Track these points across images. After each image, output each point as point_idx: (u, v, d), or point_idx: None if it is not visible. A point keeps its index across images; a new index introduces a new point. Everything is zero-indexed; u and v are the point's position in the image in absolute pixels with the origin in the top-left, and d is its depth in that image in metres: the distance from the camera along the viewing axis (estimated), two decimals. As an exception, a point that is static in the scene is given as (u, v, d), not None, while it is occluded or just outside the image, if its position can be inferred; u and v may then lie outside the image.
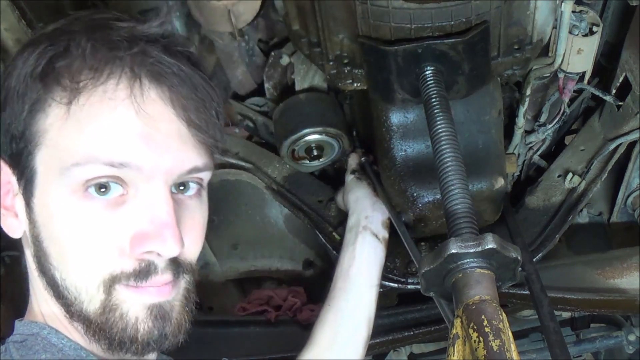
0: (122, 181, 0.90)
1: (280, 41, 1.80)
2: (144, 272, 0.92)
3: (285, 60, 1.76)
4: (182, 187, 0.98)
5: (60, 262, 0.92)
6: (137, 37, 0.91)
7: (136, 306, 0.92)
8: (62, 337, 0.93)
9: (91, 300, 0.91)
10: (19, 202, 0.96)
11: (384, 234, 1.55)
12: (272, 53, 1.78)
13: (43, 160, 0.91)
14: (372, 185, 1.63)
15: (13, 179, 0.95)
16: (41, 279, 0.96)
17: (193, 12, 1.53)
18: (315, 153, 1.75)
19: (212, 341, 1.84)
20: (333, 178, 1.95)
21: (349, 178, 1.68)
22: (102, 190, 0.90)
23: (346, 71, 1.42)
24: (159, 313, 0.93)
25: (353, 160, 1.72)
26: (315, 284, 2.05)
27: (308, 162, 1.78)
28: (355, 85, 1.43)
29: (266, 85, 1.83)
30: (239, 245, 2.03)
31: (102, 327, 0.91)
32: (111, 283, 0.91)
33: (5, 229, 0.97)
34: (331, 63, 1.42)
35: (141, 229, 0.91)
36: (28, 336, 0.94)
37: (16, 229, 0.97)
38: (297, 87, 1.76)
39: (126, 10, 1.51)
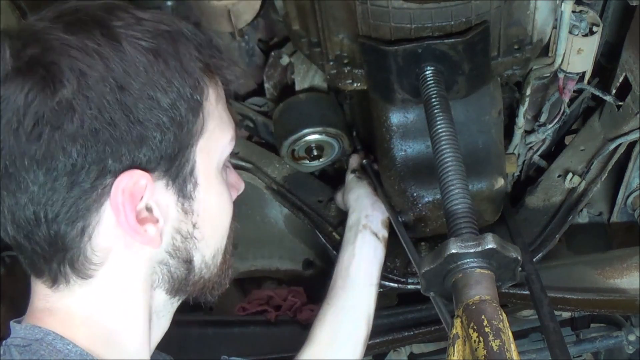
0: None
1: (280, 41, 1.80)
2: None
3: (285, 60, 1.76)
4: None
5: (206, 241, 0.99)
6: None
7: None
8: (67, 343, 0.91)
9: (215, 267, 1.03)
10: (162, 204, 0.91)
11: (384, 233, 1.55)
12: (272, 53, 1.78)
13: (202, 148, 0.94)
14: (372, 185, 1.63)
15: (149, 183, 0.89)
16: (164, 269, 0.96)
17: (193, 12, 1.53)
18: (315, 153, 1.75)
19: (212, 341, 1.84)
20: (333, 178, 1.95)
21: (350, 177, 1.68)
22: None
23: (346, 71, 1.42)
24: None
25: (354, 160, 1.73)
26: (315, 284, 2.04)
27: (308, 162, 1.78)
28: (355, 85, 1.43)
29: (266, 85, 1.83)
30: (238, 245, 2.03)
31: (209, 284, 1.03)
32: (226, 243, 1.05)
33: (148, 243, 0.91)
34: (331, 63, 1.42)
35: (233, 181, 1.10)
36: (32, 341, 0.91)
37: (158, 236, 0.92)
38: (297, 87, 1.76)
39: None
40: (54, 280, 0.91)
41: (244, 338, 1.85)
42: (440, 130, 1.20)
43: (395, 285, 1.70)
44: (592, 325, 2.09)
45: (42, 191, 0.84)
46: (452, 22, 1.27)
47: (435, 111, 1.24)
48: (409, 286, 1.70)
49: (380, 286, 1.71)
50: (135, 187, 0.87)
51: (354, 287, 1.48)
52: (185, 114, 0.89)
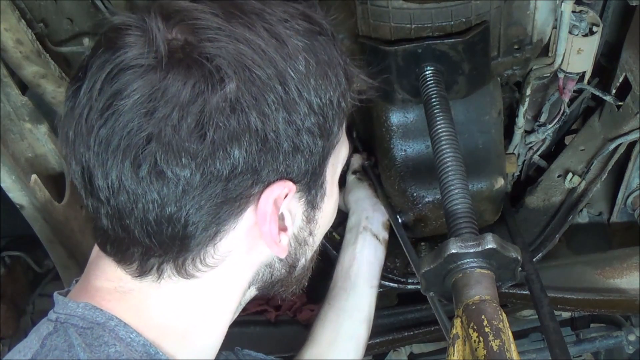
0: None
1: (280, 41, 1.80)
2: None
3: (285, 60, 1.76)
4: None
5: (314, 246, 1.01)
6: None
7: None
8: (131, 332, 0.84)
9: (308, 268, 1.05)
10: (293, 215, 0.90)
11: (384, 234, 1.55)
12: (272, 53, 1.78)
13: (332, 161, 0.93)
14: (372, 186, 1.63)
15: (289, 196, 0.86)
16: (264, 273, 0.95)
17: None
18: (315, 153, 1.75)
19: (212, 341, 1.83)
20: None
21: (350, 178, 1.68)
22: None
23: (346, 71, 1.42)
24: None
25: (355, 161, 1.72)
26: (315, 284, 2.04)
27: (308, 162, 1.78)
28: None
29: (266, 85, 1.83)
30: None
31: (297, 279, 1.03)
32: None
33: (279, 253, 0.90)
34: (331, 63, 1.42)
35: None
36: (94, 324, 0.83)
37: (288, 245, 0.91)
38: (297, 87, 1.76)
39: (127, 10, 1.51)
40: (142, 271, 0.85)
41: (244, 338, 1.85)
42: (440, 130, 1.20)
43: (395, 285, 1.70)
44: (592, 325, 2.09)
45: (191, 193, 0.78)
46: (452, 22, 1.27)
47: (435, 111, 1.24)
48: (409, 286, 1.70)
49: (380, 286, 1.71)
50: (281, 198, 0.85)
51: (355, 288, 1.48)
52: (331, 123, 0.85)
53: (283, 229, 0.88)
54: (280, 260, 0.95)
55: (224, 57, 0.75)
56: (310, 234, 0.97)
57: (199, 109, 0.75)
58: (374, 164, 1.69)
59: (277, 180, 0.83)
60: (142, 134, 0.75)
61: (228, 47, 0.76)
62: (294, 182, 0.85)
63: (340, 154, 0.96)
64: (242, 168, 0.78)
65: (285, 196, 0.85)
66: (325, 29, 0.85)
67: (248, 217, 0.84)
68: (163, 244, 0.82)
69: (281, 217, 0.87)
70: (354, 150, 1.76)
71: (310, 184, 0.89)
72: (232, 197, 0.80)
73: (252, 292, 0.99)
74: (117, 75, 0.76)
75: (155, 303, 0.87)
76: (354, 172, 1.69)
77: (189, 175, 0.77)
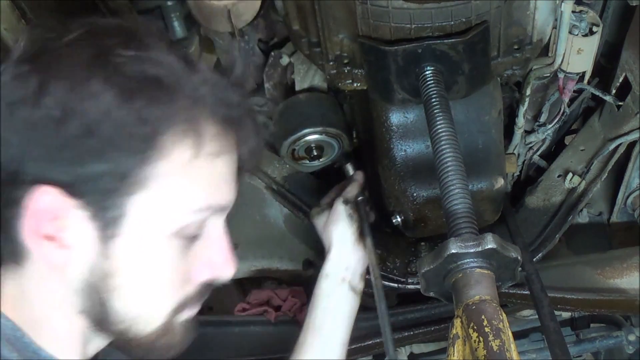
0: (204, 224, 0.98)
1: (280, 41, 1.80)
2: (204, 294, 1.02)
3: (285, 60, 1.76)
4: None
5: (130, 295, 0.94)
6: (244, 99, 0.99)
7: (187, 321, 1.02)
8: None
9: (148, 326, 0.97)
10: (78, 234, 0.90)
11: (362, 286, 1.47)
12: (272, 53, 1.78)
13: (143, 204, 0.89)
14: (360, 228, 1.50)
15: (71, 209, 0.88)
16: (79, 301, 0.94)
17: (193, 12, 1.53)
18: (315, 153, 1.75)
19: (212, 341, 1.84)
20: (333, 178, 1.95)
21: (340, 207, 1.51)
22: (192, 237, 0.96)
23: (346, 71, 1.42)
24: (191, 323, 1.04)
25: (351, 190, 1.56)
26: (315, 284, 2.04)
27: (308, 162, 1.78)
28: (355, 85, 1.43)
29: (266, 85, 1.83)
30: (239, 245, 2.03)
31: (141, 342, 0.97)
32: (178, 310, 0.98)
33: (43, 259, 0.91)
34: (331, 63, 1.42)
35: (210, 259, 0.99)
36: None
37: (59, 259, 0.91)
38: (297, 87, 1.76)
39: (127, 10, 1.51)
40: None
41: (244, 338, 1.85)
42: (440, 130, 1.20)
43: (395, 285, 1.70)
44: (592, 325, 2.09)
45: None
46: (452, 22, 1.27)
47: (435, 111, 1.24)
48: (409, 286, 1.70)
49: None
50: (52, 204, 0.87)
51: (327, 347, 1.41)
52: (127, 161, 0.87)
53: (62, 245, 0.90)
54: (85, 292, 0.93)
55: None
56: (111, 275, 0.92)
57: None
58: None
59: (41, 182, 0.87)
60: None
61: (55, 60, 0.89)
62: (70, 193, 0.87)
63: (168, 205, 0.91)
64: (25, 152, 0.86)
65: (59, 207, 0.88)
66: (175, 79, 0.89)
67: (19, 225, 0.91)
68: None
69: (63, 233, 0.90)
70: (355, 175, 1.67)
71: (98, 207, 0.89)
72: (16, 179, 0.88)
73: (89, 324, 0.97)
74: None
75: (5, 290, 0.94)
76: (346, 202, 1.52)
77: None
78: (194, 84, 0.91)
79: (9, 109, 0.86)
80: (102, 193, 0.88)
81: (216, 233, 1.00)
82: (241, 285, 2.15)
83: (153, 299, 0.96)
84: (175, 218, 0.92)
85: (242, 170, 1.03)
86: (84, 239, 0.90)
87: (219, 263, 1.00)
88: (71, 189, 0.87)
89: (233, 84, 0.97)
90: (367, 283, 1.72)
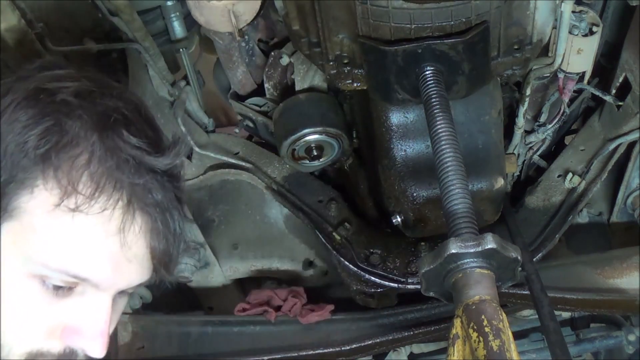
0: (75, 284, 0.93)
1: (280, 41, 1.80)
2: (67, 357, 0.96)
3: (285, 60, 1.76)
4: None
5: None
6: (144, 167, 0.93)
7: None
8: None
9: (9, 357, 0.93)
10: None
11: None
12: (272, 53, 1.78)
13: (9, 233, 0.90)
14: None
15: None
16: None
17: (193, 12, 1.53)
18: (315, 153, 1.75)
19: (212, 341, 1.84)
20: (333, 178, 1.95)
21: None
22: (58, 289, 0.92)
23: (346, 71, 1.42)
24: None
25: None
26: (315, 284, 2.05)
27: (308, 162, 1.78)
28: (355, 85, 1.43)
29: (266, 85, 1.83)
30: (239, 245, 2.03)
31: None
32: (37, 356, 0.94)
33: None
34: (331, 63, 1.42)
35: (78, 325, 0.95)
36: None
37: None
38: (297, 87, 1.76)
39: (127, 10, 1.51)
40: None
41: (244, 338, 1.85)
42: (440, 130, 1.20)
43: (395, 285, 1.70)
44: (592, 325, 2.09)
45: None
46: (452, 22, 1.27)
47: (435, 111, 1.23)
48: (409, 286, 1.70)
49: (380, 286, 1.71)
50: None
51: None
52: (6, 178, 0.88)
53: None
54: None
55: None
56: None
57: None
58: (372, 162, 1.66)
59: None
60: None
61: None
62: None
63: (27, 242, 0.90)
64: None
65: None
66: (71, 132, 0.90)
67: None
68: None
69: None
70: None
71: None
72: None
73: None
74: None
75: None
76: None
77: None
78: (98, 144, 0.89)
79: None
80: None
81: (94, 306, 0.96)
82: (241, 285, 2.15)
83: (5, 331, 0.92)
84: (33, 263, 0.90)
85: (157, 272, 1.00)
86: None
87: (86, 336, 0.96)
88: None
89: (156, 165, 0.94)
90: (367, 283, 1.73)
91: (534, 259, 1.70)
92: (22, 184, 0.88)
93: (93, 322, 0.96)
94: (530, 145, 1.87)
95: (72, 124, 0.90)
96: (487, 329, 0.93)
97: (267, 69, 1.80)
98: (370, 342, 1.80)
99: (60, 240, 0.90)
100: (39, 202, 0.89)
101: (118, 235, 0.92)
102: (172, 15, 1.73)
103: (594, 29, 1.48)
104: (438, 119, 1.22)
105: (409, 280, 1.69)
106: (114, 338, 1.04)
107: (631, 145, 1.83)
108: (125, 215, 0.92)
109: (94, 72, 0.99)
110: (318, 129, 1.70)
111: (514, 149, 1.81)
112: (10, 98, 0.91)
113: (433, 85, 1.28)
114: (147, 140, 0.95)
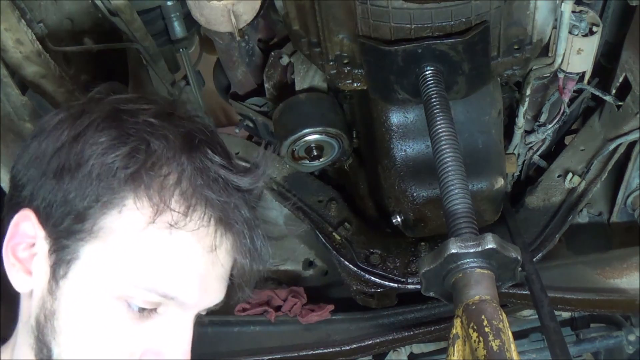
0: (159, 304, 0.93)
1: (280, 41, 1.80)
2: None
3: (285, 60, 1.76)
4: None
5: (67, 344, 0.91)
6: (231, 186, 0.93)
7: None
8: None
9: None
10: (39, 264, 0.92)
11: None
12: (272, 53, 1.78)
13: (95, 255, 0.90)
14: None
15: (40, 239, 0.91)
16: (31, 336, 0.94)
17: (193, 12, 1.53)
18: (315, 153, 1.75)
19: (212, 341, 1.84)
20: (333, 178, 1.95)
21: None
22: (142, 310, 0.92)
23: (346, 71, 1.42)
24: None
25: None
26: (315, 284, 2.05)
27: (308, 162, 1.78)
28: (355, 85, 1.43)
29: (266, 85, 1.83)
30: (238, 245, 2.03)
31: None
32: None
33: (11, 279, 0.93)
34: (331, 63, 1.42)
35: (159, 347, 0.93)
36: None
37: (24, 284, 0.93)
38: (297, 87, 1.76)
39: (127, 10, 1.51)
40: None
41: (244, 338, 1.85)
42: (440, 130, 1.20)
43: (395, 285, 1.70)
44: (592, 325, 2.09)
45: None
46: (452, 22, 1.27)
47: (435, 111, 1.23)
48: (409, 286, 1.70)
49: (380, 286, 1.71)
50: (30, 230, 0.92)
51: None
52: (88, 205, 0.88)
53: (26, 270, 0.93)
54: (37, 329, 0.93)
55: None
56: (55, 315, 0.91)
57: None
58: (373, 162, 1.67)
59: (27, 207, 0.92)
60: None
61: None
62: (40, 223, 0.92)
63: (114, 264, 0.89)
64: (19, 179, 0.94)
65: (35, 237, 0.92)
66: (155, 158, 0.90)
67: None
68: None
69: (31, 256, 0.93)
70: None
71: (56, 244, 0.91)
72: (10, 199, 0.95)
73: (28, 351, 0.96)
74: None
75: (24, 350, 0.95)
76: None
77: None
78: (187, 163, 0.90)
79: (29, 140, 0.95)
80: (63, 231, 0.89)
81: (177, 326, 0.94)
82: (241, 285, 2.15)
83: (88, 353, 0.91)
84: (121, 283, 0.90)
85: (234, 286, 1.00)
86: (41, 271, 0.92)
87: (166, 355, 0.94)
88: (44, 217, 0.91)
89: (239, 184, 0.94)
90: (367, 283, 1.73)
91: (534, 259, 1.70)
92: (110, 204, 0.88)
93: (176, 343, 0.94)
94: (530, 145, 1.87)
95: (159, 144, 0.90)
96: (487, 329, 0.93)
97: (267, 69, 1.80)
98: (370, 342, 1.80)
99: (153, 258, 0.89)
100: (128, 221, 0.88)
101: (211, 253, 0.92)
102: (172, 15, 1.73)
103: (594, 29, 1.48)
104: (438, 119, 1.22)
105: (409, 280, 1.69)
106: None
107: (631, 145, 1.83)
108: (218, 232, 0.92)
109: (160, 96, 1.01)
110: (318, 129, 1.70)
111: (514, 149, 1.81)
112: (87, 120, 0.90)
113: (433, 85, 1.28)
114: (229, 159, 0.96)
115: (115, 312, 0.90)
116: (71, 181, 0.88)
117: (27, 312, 0.95)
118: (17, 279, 0.93)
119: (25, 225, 0.92)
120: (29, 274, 0.93)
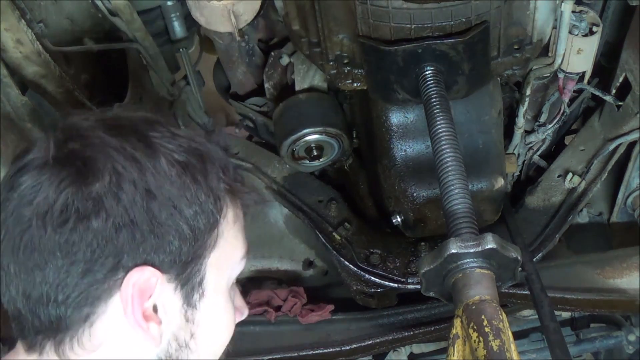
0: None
1: (280, 41, 1.80)
2: None
3: (285, 60, 1.76)
4: None
5: (199, 353, 0.98)
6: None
7: None
8: None
9: None
10: (168, 307, 0.93)
11: None
12: (272, 53, 1.78)
13: (215, 261, 0.96)
14: None
15: (159, 286, 0.91)
16: None
17: (193, 12, 1.53)
18: (315, 153, 1.75)
19: (212, 341, 1.84)
20: (333, 178, 1.95)
21: None
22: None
23: (346, 71, 1.42)
24: None
25: None
26: (315, 284, 2.05)
27: (308, 162, 1.78)
28: (355, 85, 1.43)
29: (266, 85, 1.83)
30: (238, 245, 2.03)
31: None
32: None
33: (145, 341, 0.91)
34: (331, 63, 1.42)
35: (239, 307, 1.08)
36: None
37: (158, 336, 0.92)
38: (297, 87, 1.76)
39: (127, 10, 1.51)
40: (29, 345, 0.92)
41: (244, 338, 1.85)
42: (440, 130, 1.20)
43: (395, 285, 1.70)
44: (592, 325, 2.09)
45: (58, 273, 0.86)
46: (452, 22, 1.27)
47: (435, 111, 1.24)
48: (409, 286, 1.70)
49: (380, 286, 1.71)
50: (145, 283, 0.89)
51: None
52: (204, 227, 0.92)
53: (157, 320, 0.92)
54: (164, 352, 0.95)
55: (97, 159, 0.87)
56: (192, 336, 0.96)
57: (64, 201, 0.85)
58: (373, 161, 1.67)
59: (137, 265, 0.88)
60: (23, 221, 0.86)
61: (104, 152, 0.87)
62: (161, 271, 0.90)
63: (227, 260, 0.98)
64: (100, 255, 0.86)
65: (156, 286, 0.90)
66: (207, 150, 0.95)
67: (116, 302, 0.89)
68: (49, 322, 0.88)
69: (155, 309, 0.91)
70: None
71: (182, 278, 0.92)
72: (96, 279, 0.87)
73: None
74: (16, 172, 0.89)
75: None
76: None
77: (52, 258, 0.85)
78: (214, 150, 0.97)
79: (84, 221, 0.86)
80: (184, 263, 0.92)
81: (235, 285, 1.07)
82: (241, 285, 2.15)
83: (214, 354, 1.02)
84: (234, 268, 1.01)
85: None
86: (173, 311, 0.93)
87: (241, 307, 1.08)
88: (160, 267, 0.90)
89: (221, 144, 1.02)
90: (367, 283, 1.73)
91: (534, 259, 1.70)
92: (215, 222, 0.94)
93: (238, 295, 1.09)
94: (530, 145, 1.87)
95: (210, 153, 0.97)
96: (487, 329, 0.93)
97: (267, 69, 1.80)
98: (370, 342, 1.80)
99: (240, 235, 1.01)
100: (227, 220, 0.97)
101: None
102: (172, 15, 1.73)
103: (594, 29, 1.48)
104: (438, 119, 1.22)
105: (409, 280, 1.69)
106: None
107: (631, 145, 1.83)
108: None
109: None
110: (318, 129, 1.70)
111: (514, 149, 1.81)
112: (165, 164, 0.90)
113: (433, 85, 1.28)
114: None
115: (230, 300, 1.01)
116: (172, 223, 0.89)
117: (151, 353, 0.95)
118: (152, 336, 0.91)
119: (142, 279, 0.89)
120: (159, 323, 0.92)
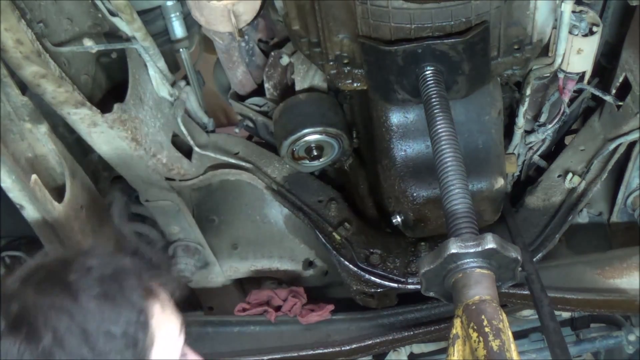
0: None
1: (280, 41, 1.80)
2: None
3: (285, 60, 1.76)
4: None
5: None
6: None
7: None
8: None
9: None
10: None
11: None
12: (272, 53, 1.78)
13: (160, 351, 1.06)
14: None
15: None
16: None
17: (193, 12, 1.53)
18: (315, 153, 1.75)
19: (212, 340, 1.84)
20: (333, 178, 1.95)
21: None
22: None
23: (346, 71, 1.42)
24: None
25: None
26: (315, 284, 2.05)
27: (308, 162, 1.78)
28: (355, 85, 1.43)
29: (266, 85, 1.83)
30: (238, 245, 2.03)
31: None
32: None
33: None
34: (331, 63, 1.42)
35: None
36: None
37: None
38: (297, 87, 1.76)
39: (127, 10, 1.51)
40: None
41: (244, 338, 1.85)
42: (440, 130, 1.20)
43: (395, 285, 1.70)
44: (592, 325, 2.09)
45: None
46: (452, 22, 1.27)
47: (435, 111, 1.24)
48: (409, 286, 1.70)
49: (380, 286, 1.71)
50: None
51: None
52: (136, 335, 1.03)
53: None
54: None
55: (37, 321, 1.01)
56: None
57: None
58: (373, 161, 1.67)
59: None
60: None
61: (39, 313, 1.01)
62: None
63: (169, 340, 1.08)
64: None
65: None
66: (119, 269, 1.07)
67: None
68: None
69: None
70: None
71: None
72: None
73: None
74: None
75: None
76: None
77: None
78: (126, 263, 1.09)
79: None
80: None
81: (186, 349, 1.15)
82: (241, 285, 2.15)
83: None
84: (179, 340, 1.10)
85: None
86: None
87: None
88: None
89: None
90: (367, 283, 1.73)
91: (534, 259, 1.70)
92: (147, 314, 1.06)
93: (192, 354, 1.18)
94: (530, 145, 1.87)
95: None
96: (487, 329, 0.93)
97: (267, 69, 1.80)
98: (370, 342, 1.80)
99: (174, 320, 1.11)
100: (156, 316, 1.07)
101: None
102: (172, 15, 1.73)
103: (594, 29, 1.48)
104: (438, 119, 1.22)
105: (409, 280, 1.69)
106: None
107: (631, 145, 1.83)
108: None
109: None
110: (318, 129, 1.70)
111: (514, 149, 1.81)
112: (88, 302, 1.02)
113: (433, 85, 1.28)
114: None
115: None
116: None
117: None
118: None
119: None
120: None
